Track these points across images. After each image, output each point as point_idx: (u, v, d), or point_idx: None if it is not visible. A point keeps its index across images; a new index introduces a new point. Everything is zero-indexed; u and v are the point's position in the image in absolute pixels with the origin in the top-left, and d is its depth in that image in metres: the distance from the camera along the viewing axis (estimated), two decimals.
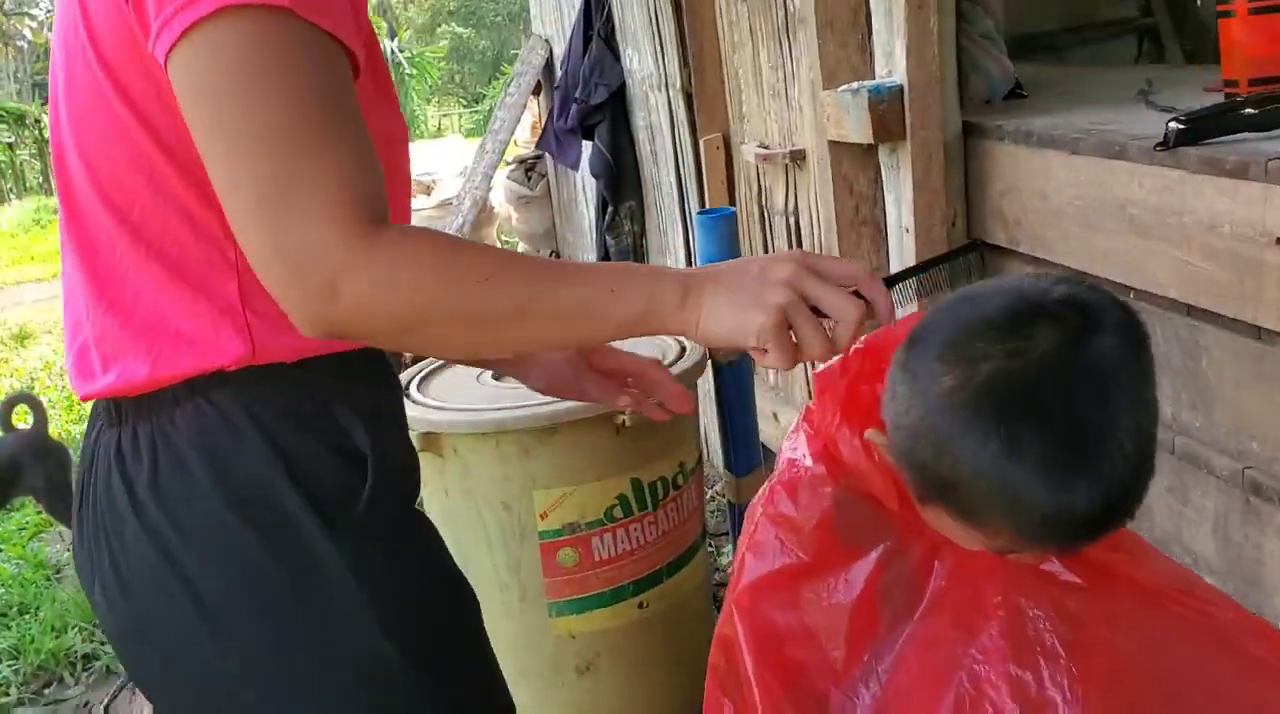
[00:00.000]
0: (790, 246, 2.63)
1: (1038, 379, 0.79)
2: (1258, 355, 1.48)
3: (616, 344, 1.05)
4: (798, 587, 0.96)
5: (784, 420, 2.94)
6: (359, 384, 1.01)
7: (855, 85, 1.95)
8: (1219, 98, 1.68)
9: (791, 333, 0.84)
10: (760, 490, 1.03)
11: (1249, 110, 1.45)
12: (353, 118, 0.82)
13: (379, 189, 0.83)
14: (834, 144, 2.11)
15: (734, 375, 2.06)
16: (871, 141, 1.96)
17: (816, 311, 0.85)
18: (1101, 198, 1.66)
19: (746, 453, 2.12)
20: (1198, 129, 1.48)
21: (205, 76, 0.80)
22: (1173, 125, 1.49)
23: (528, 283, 0.84)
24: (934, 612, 0.95)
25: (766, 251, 2.84)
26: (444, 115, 22.75)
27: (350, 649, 0.95)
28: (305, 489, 0.94)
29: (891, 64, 1.96)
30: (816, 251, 2.49)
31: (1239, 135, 1.46)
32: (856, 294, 0.85)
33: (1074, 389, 0.79)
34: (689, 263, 2.91)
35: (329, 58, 0.82)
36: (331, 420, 0.98)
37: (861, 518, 0.97)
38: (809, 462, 0.99)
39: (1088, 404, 0.79)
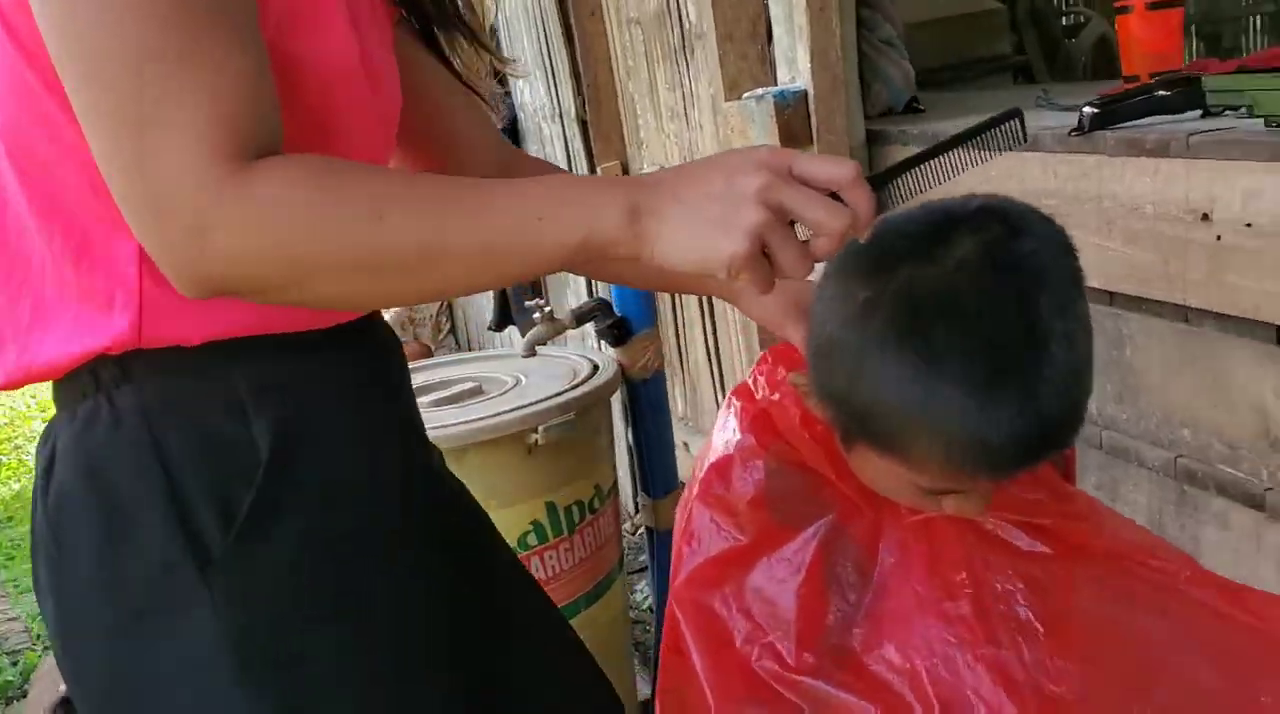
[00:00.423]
0: None
1: (958, 282, 0.72)
2: (1185, 338, 1.46)
3: None
4: (738, 570, 0.88)
5: (695, 449, 2.87)
6: (305, 381, 0.84)
7: (760, 92, 1.91)
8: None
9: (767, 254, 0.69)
10: (689, 483, 0.94)
11: (1161, 93, 1.44)
12: (236, 33, 0.69)
13: (264, 119, 0.70)
14: None
15: (649, 391, 1.98)
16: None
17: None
18: (1016, 191, 1.61)
19: (664, 473, 2.03)
20: (1113, 112, 1.46)
21: None
22: (1087, 110, 1.47)
23: (434, 219, 0.70)
24: (891, 594, 0.88)
25: None
26: None
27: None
28: (188, 523, 0.79)
29: (795, 70, 1.93)
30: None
31: (1151, 119, 1.45)
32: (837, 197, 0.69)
33: (997, 291, 0.72)
34: (590, 295, 2.83)
35: None
36: (239, 425, 0.81)
37: (797, 490, 0.89)
38: (738, 435, 0.91)
39: (1011, 305, 0.72)
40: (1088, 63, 4.41)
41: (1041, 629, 0.84)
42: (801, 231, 0.70)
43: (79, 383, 0.80)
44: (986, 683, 0.82)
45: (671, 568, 0.92)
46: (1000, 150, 0.77)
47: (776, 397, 0.90)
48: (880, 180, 0.73)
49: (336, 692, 0.83)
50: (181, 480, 0.79)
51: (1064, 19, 4.95)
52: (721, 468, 0.88)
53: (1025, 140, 0.80)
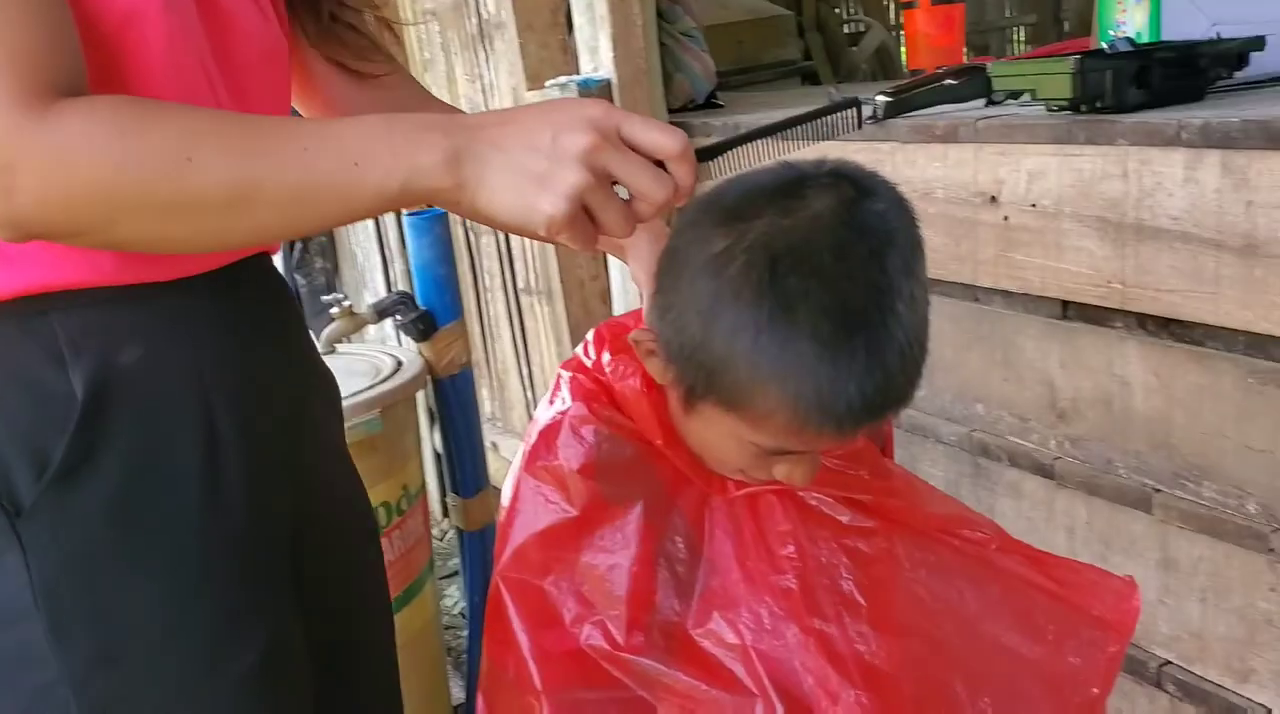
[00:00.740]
0: (500, 260, 2.54)
1: (812, 236, 0.73)
2: (975, 316, 1.52)
3: None
4: (566, 547, 0.85)
5: (504, 450, 2.83)
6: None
7: (563, 80, 1.90)
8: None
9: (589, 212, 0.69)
10: (518, 453, 0.91)
11: (949, 81, 1.50)
12: None
13: (62, 54, 0.68)
14: None
15: (456, 388, 1.93)
16: None
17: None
18: None
19: (473, 473, 1.98)
20: (905, 101, 1.51)
21: None
22: (881, 99, 1.52)
23: (245, 160, 0.67)
24: (720, 569, 0.87)
25: (474, 267, 2.73)
26: None
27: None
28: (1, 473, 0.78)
29: (597, 60, 1.92)
30: (529, 258, 2.41)
31: (940, 108, 1.51)
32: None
33: (849, 247, 0.73)
34: (389, 289, 2.74)
35: None
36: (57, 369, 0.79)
37: (627, 460, 0.87)
38: (569, 403, 0.88)
39: (863, 263, 0.73)
40: (869, 69, 4.61)
41: (864, 602, 0.85)
42: (624, 190, 0.70)
43: None
44: (813, 656, 0.82)
45: (496, 543, 0.89)
46: (834, 136, 0.79)
47: (609, 365, 0.88)
48: (707, 153, 0.75)
49: (147, 646, 0.82)
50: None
51: (845, 27, 5.14)
52: (549, 435, 0.85)
53: (860, 128, 0.82)
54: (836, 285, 0.72)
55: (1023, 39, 5.92)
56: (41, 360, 0.78)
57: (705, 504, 0.88)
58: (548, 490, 0.84)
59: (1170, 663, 1.35)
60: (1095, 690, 0.89)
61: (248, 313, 0.90)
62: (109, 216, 0.68)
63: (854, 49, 4.79)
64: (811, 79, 4.52)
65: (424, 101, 1.06)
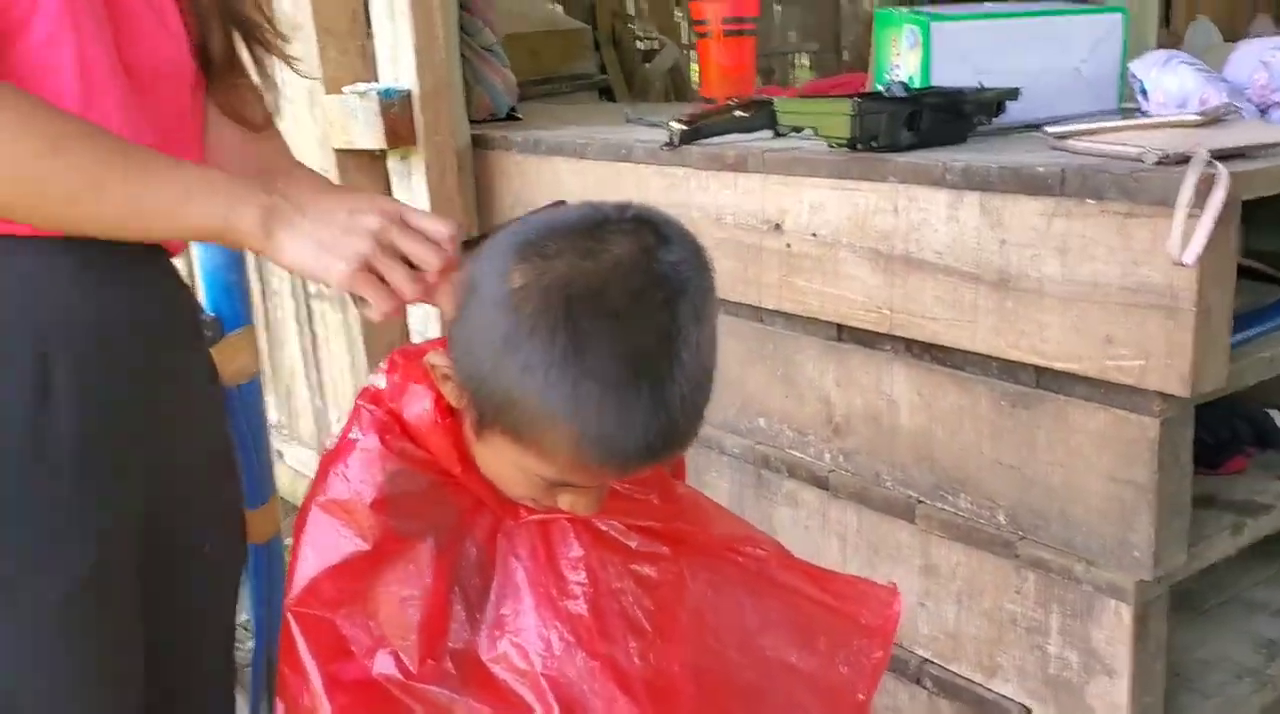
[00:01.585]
0: None
1: (610, 280, 0.76)
2: (760, 336, 1.60)
3: None
4: (359, 580, 0.86)
5: (289, 459, 2.76)
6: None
7: (362, 87, 1.88)
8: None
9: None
10: (311, 485, 0.92)
11: (739, 113, 1.58)
12: None
13: None
14: (340, 153, 2.02)
15: (243, 397, 1.88)
16: (383, 147, 1.90)
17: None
18: (612, 198, 1.72)
19: (259, 484, 1.93)
20: (699, 129, 1.58)
21: None
22: (675, 125, 1.58)
23: (96, 167, 0.81)
24: (510, 595, 0.89)
25: (260, 271, 2.66)
26: None
27: None
28: None
29: (398, 70, 1.91)
30: None
31: (731, 137, 1.59)
32: None
33: (645, 293, 0.76)
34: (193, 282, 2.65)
35: None
36: None
37: (420, 492, 0.88)
38: (362, 436, 0.89)
39: (657, 309, 0.76)
40: (662, 87, 4.72)
41: (649, 625, 0.88)
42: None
43: None
44: (601, 680, 0.84)
45: (287, 574, 0.88)
46: None
47: (402, 394, 0.89)
48: (470, 245, 0.89)
49: None
50: None
51: (639, 44, 5.24)
52: (343, 471, 0.86)
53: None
54: (629, 330, 0.75)
55: (806, 64, 6.18)
56: None
57: (499, 530, 0.90)
58: (339, 524, 0.84)
59: (929, 661, 1.46)
60: (861, 696, 0.97)
61: (113, 288, 0.94)
62: None
63: (648, 65, 4.90)
64: (607, 94, 4.59)
65: (291, 163, 1.12)
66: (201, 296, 1.87)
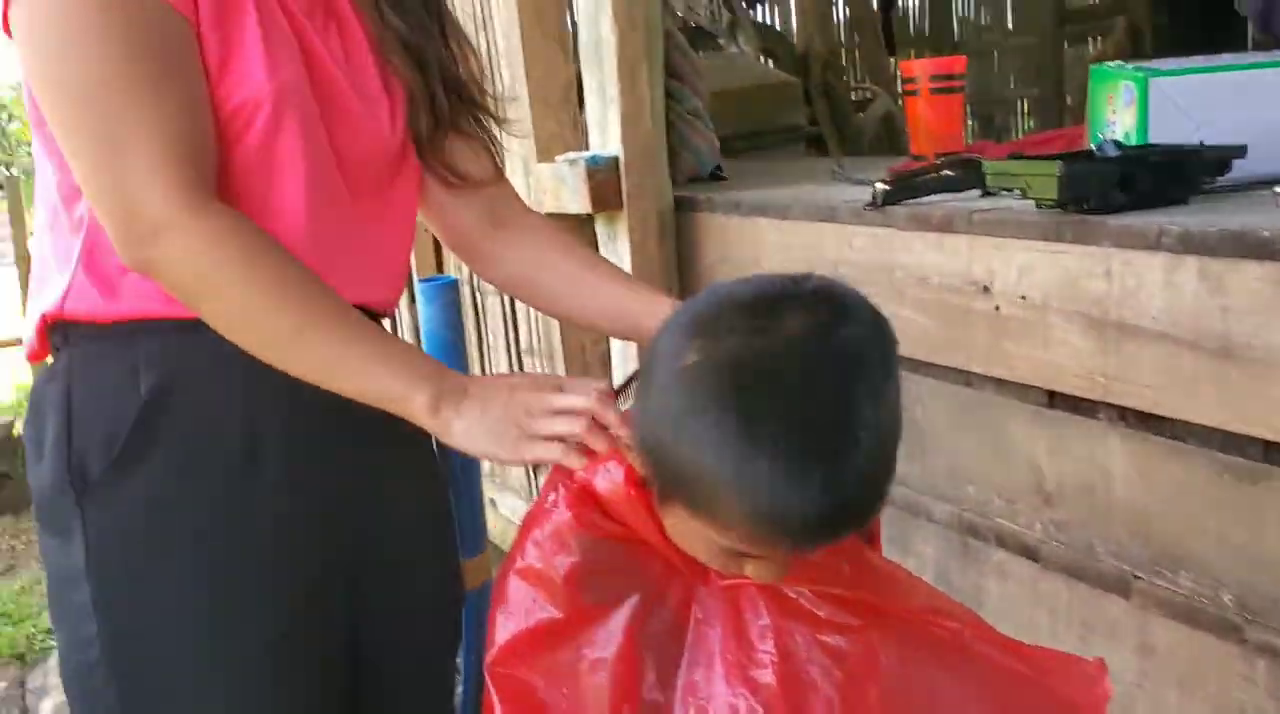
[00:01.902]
0: (504, 321, 2.60)
1: (782, 358, 0.76)
2: (968, 401, 1.57)
3: None
4: (554, 645, 0.89)
5: (502, 507, 2.86)
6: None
7: (572, 156, 1.96)
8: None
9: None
10: (509, 555, 0.96)
11: (946, 172, 1.56)
12: (170, 76, 0.89)
13: (200, 151, 0.91)
14: (550, 217, 2.11)
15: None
16: (589, 211, 1.97)
17: None
18: (814, 259, 1.73)
19: (474, 533, 2.02)
20: (903, 188, 1.57)
21: (25, 29, 0.89)
22: (880, 186, 1.58)
23: (302, 317, 0.92)
24: (702, 662, 0.90)
25: (479, 328, 2.79)
26: None
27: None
28: (75, 457, 0.98)
29: (606, 137, 1.98)
30: (532, 320, 2.47)
31: (938, 196, 1.57)
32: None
33: (817, 372, 0.76)
34: (417, 339, 2.81)
35: (147, 12, 0.88)
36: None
37: (613, 563, 0.91)
38: (559, 509, 0.93)
39: (830, 388, 0.76)
40: (874, 135, 4.68)
41: (838, 698, 0.87)
42: None
43: (50, 342, 1.04)
44: None
45: (487, 640, 0.93)
46: None
47: (598, 464, 0.92)
48: (624, 388, 0.93)
49: (164, 620, 0.99)
50: (78, 423, 0.99)
51: (853, 94, 5.22)
52: (539, 543, 0.90)
53: None
54: (801, 408, 0.75)
55: (1027, 111, 6.01)
56: (122, 372, 0.98)
57: (691, 595, 0.92)
58: (536, 593, 0.87)
59: None
60: None
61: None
62: (200, 297, 0.92)
63: (860, 115, 4.88)
64: (818, 144, 4.59)
65: (521, 209, 1.22)
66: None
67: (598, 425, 0.90)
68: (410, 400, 0.92)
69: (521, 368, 2.63)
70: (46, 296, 1.01)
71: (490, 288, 2.54)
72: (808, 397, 0.75)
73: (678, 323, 0.83)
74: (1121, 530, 1.36)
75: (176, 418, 0.99)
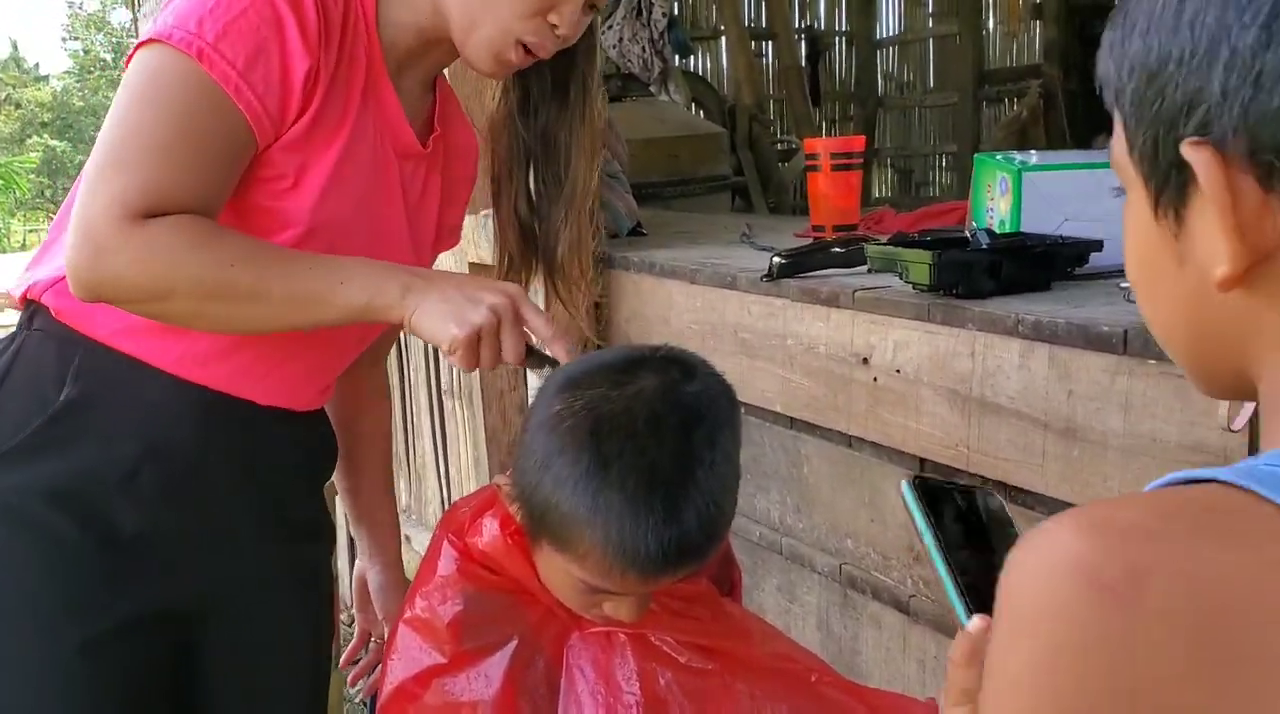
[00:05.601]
0: (427, 362, 2.68)
1: (633, 407, 0.89)
2: (848, 461, 1.68)
3: None
4: (439, 689, 0.98)
5: (417, 544, 2.92)
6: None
7: (489, 212, 2.05)
8: (808, 241, 1.93)
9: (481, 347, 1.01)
10: (401, 604, 1.05)
11: (836, 249, 1.68)
12: (200, 155, 0.99)
13: (192, 204, 0.98)
14: (473, 266, 2.20)
15: None
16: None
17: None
18: (716, 322, 1.84)
19: None
20: (796, 264, 1.68)
21: (130, 71, 1.02)
22: (776, 260, 1.69)
23: (267, 268, 0.99)
24: (573, 704, 0.99)
25: (402, 367, 2.86)
26: (30, 231, 20.93)
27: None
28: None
29: None
30: (455, 374, 2.54)
31: (829, 271, 1.69)
32: None
33: (663, 421, 0.89)
34: None
35: (211, 106, 0.99)
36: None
37: (493, 612, 1.00)
38: (446, 563, 1.02)
39: (673, 436, 0.88)
40: (797, 185, 4.83)
41: None
42: None
43: (22, 314, 1.13)
44: None
45: (379, 684, 1.01)
46: None
47: (478, 522, 1.02)
48: (539, 361, 1.06)
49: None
50: (2, 399, 1.09)
51: (778, 145, 5.35)
52: (426, 594, 0.99)
53: None
54: (646, 450, 0.88)
55: (945, 166, 6.21)
56: (56, 375, 1.08)
57: (566, 639, 1.01)
58: (422, 641, 0.97)
59: None
60: None
61: (224, 432, 1.13)
62: (164, 296, 0.99)
63: (784, 166, 5.02)
64: (742, 194, 4.72)
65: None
66: None
67: (515, 312, 1.01)
68: (387, 291, 1.00)
69: (441, 408, 2.70)
70: (41, 272, 1.11)
71: None
72: (654, 441, 0.88)
73: (554, 381, 0.95)
74: None
75: (84, 423, 1.08)
